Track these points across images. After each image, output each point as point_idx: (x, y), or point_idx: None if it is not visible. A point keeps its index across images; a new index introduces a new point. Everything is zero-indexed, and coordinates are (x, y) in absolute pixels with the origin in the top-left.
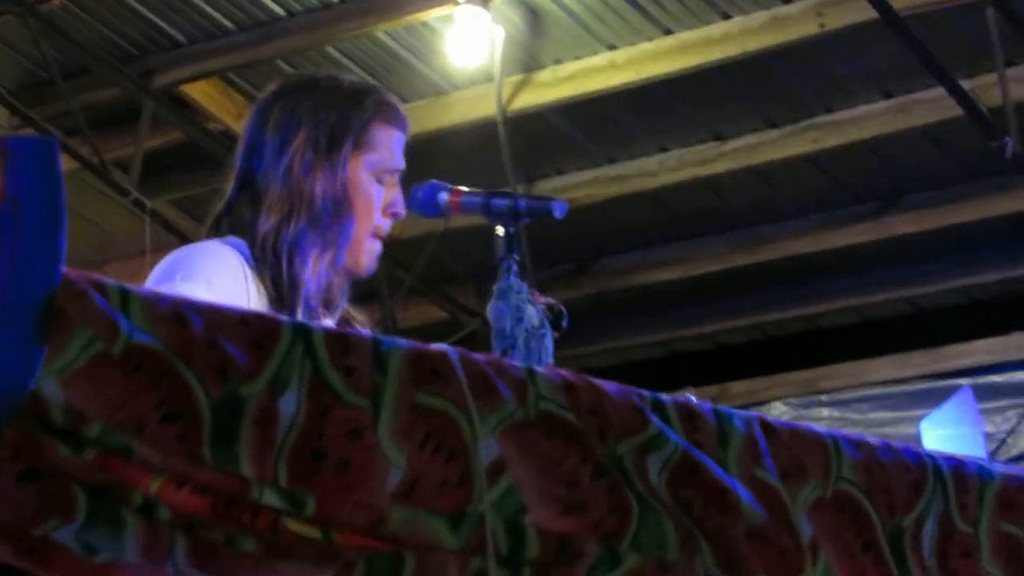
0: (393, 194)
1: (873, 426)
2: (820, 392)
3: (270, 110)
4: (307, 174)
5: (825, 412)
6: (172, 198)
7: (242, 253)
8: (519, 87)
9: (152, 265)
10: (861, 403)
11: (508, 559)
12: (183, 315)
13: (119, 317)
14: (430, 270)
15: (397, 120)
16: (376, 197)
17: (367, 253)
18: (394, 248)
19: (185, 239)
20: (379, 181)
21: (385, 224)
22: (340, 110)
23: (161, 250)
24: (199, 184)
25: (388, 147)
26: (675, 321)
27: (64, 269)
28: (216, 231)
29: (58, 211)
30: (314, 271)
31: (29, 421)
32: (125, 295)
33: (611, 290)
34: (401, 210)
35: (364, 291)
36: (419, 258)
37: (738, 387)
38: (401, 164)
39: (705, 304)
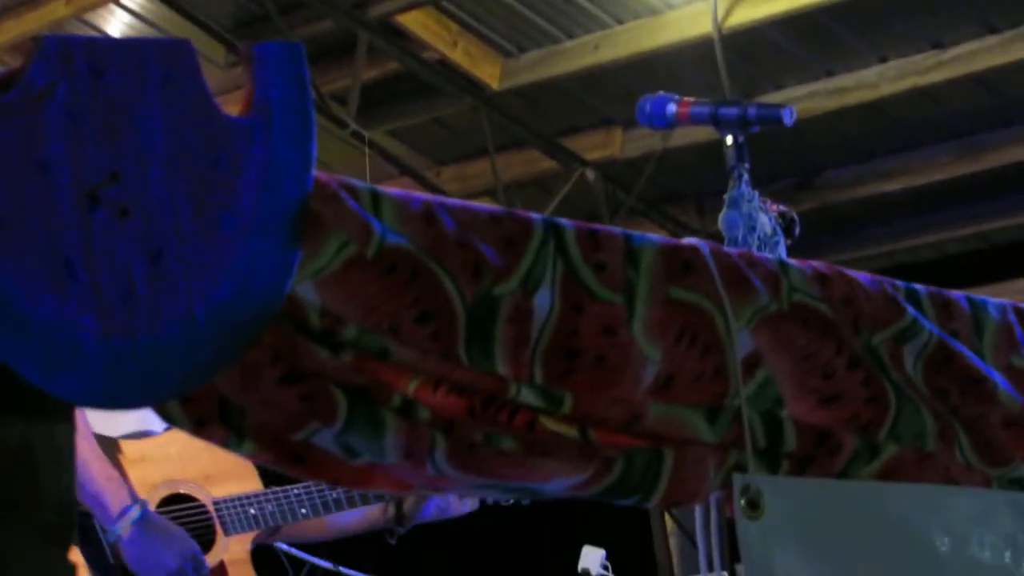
0: None
1: None
2: None
3: None
4: None
5: None
6: (390, 129)
7: None
8: (735, 3)
9: None
10: None
11: (766, 452)
12: (434, 215)
13: (371, 219)
14: (650, 190)
15: None
16: None
17: None
18: (613, 169)
19: (404, 169)
20: None
21: None
22: None
23: (381, 180)
24: (416, 114)
25: None
26: (899, 232)
27: (315, 172)
28: None
29: (307, 115)
30: None
31: (287, 325)
32: (377, 197)
33: (834, 203)
34: None
35: (585, 213)
36: (639, 178)
37: None
38: None
39: (929, 214)
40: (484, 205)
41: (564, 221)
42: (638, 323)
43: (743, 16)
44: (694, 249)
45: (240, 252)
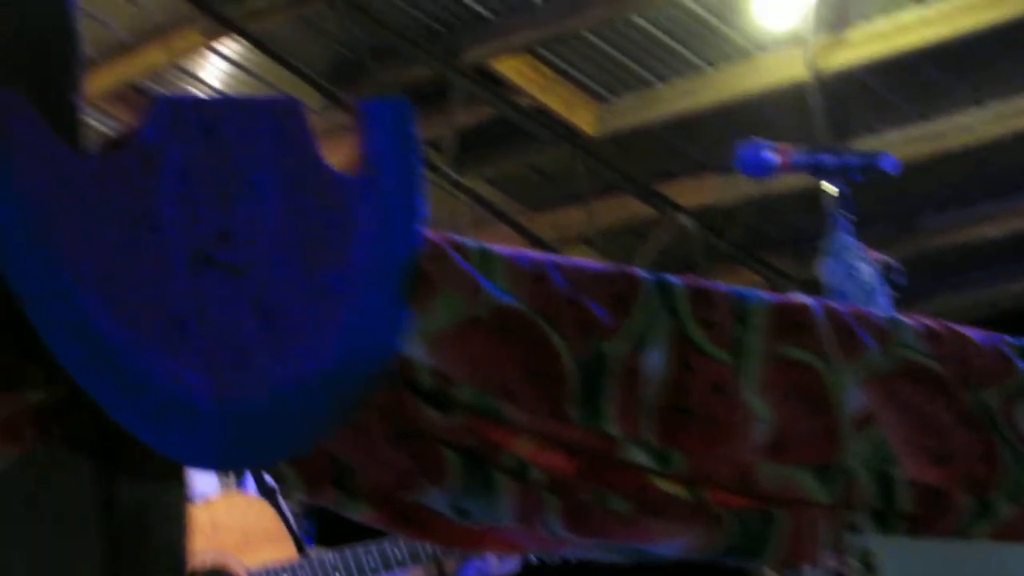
0: None
1: None
2: None
3: None
4: None
5: None
6: (486, 175)
7: None
8: (827, 47)
9: None
10: None
11: (879, 512)
12: (544, 273)
13: (481, 278)
14: (745, 236)
15: None
16: None
17: None
18: (709, 216)
19: (502, 216)
20: None
21: None
22: None
23: (477, 227)
24: (512, 160)
25: None
26: (1001, 278)
27: (423, 230)
28: None
29: (415, 171)
30: None
31: (397, 384)
32: (486, 255)
33: (932, 249)
34: None
35: (681, 262)
36: (734, 224)
37: None
38: None
39: None
40: (593, 263)
41: (673, 278)
42: (748, 381)
43: (836, 60)
44: (804, 307)
45: (351, 310)
